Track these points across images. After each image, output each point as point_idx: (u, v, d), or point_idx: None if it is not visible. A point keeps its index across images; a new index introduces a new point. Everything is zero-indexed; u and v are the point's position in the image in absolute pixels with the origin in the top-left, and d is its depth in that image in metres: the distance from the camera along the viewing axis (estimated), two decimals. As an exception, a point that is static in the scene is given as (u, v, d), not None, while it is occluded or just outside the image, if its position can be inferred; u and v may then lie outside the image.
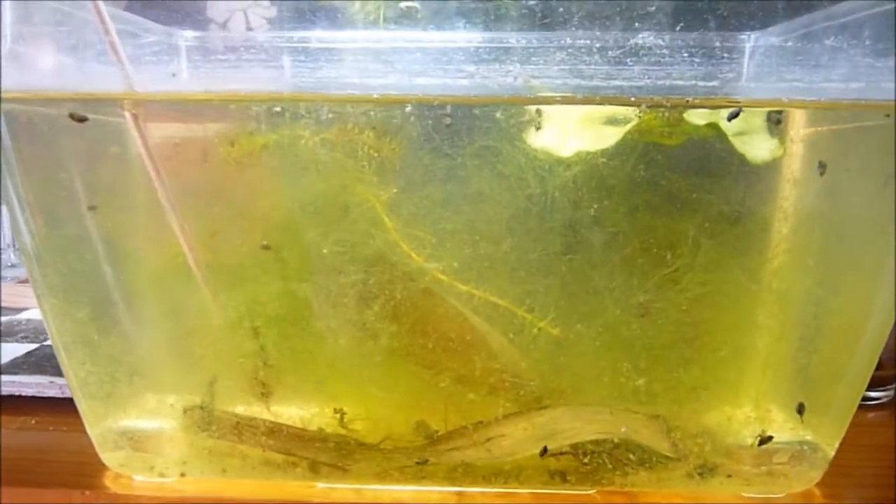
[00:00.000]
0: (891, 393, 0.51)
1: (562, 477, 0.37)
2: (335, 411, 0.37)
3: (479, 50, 0.28)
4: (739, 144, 0.31)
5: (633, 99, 0.29)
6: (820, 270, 0.36)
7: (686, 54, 0.28)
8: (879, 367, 0.50)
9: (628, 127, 0.31)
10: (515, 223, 0.34)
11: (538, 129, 0.30)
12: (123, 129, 0.36)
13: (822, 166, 0.33)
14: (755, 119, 0.30)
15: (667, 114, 0.30)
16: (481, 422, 0.36)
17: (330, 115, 0.31)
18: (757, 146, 0.31)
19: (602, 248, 0.34)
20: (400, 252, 0.34)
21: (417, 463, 0.37)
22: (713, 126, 0.31)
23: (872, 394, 0.50)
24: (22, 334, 0.57)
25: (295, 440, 0.37)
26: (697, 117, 0.30)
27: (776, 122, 0.30)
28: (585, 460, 0.36)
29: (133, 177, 0.36)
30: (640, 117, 0.31)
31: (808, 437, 0.36)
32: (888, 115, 0.31)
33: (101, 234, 0.36)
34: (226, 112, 0.35)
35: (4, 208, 0.36)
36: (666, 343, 0.36)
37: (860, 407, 0.49)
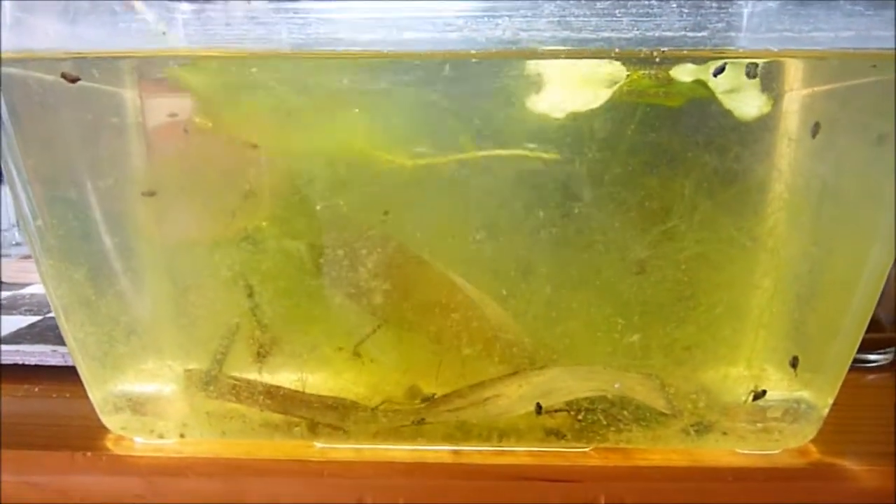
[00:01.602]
0: (890, 356, 0.51)
1: (557, 435, 0.37)
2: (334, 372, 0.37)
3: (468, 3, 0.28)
4: (727, 101, 0.31)
5: (617, 51, 0.28)
6: (815, 229, 0.36)
7: (675, 4, 0.28)
8: (879, 329, 0.50)
9: (617, 86, 0.31)
10: (509, 183, 0.34)
11: (532, 86, 0.30)
12: (120, 98, 0.36)
13: (816, 127, 0.33)
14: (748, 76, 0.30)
15: (654, 71, 0.30)
16: (480, 382, 0.37)
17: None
18: (745, 103, 0.31)
19: (596, 208, 0.34)
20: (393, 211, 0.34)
21: (414, 423, 0.37)
22: (700, 83, 0.31)
23: (872, 356, 0.50)
24: (26, 307, 0.58)
25: (292, 401, 0.37)
26: (684, 73, 0.30)
27: (752, 75, 0.29)
28: (580, 418, 0.37)
29: (131, 143, 0.36)
30: (629, 75, 0.31)
31: (802, 394, 0.36)
32: (874, 66, 0.30)
33: (99, 200, 0.36)
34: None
35: (6, 187, 0.37)
36: (661, 301, 0.36)
37: (860, 369, 0.50)
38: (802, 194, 0.35)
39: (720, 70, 0.30)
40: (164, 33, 0.31)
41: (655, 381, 0.37)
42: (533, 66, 0.31)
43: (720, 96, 0.31)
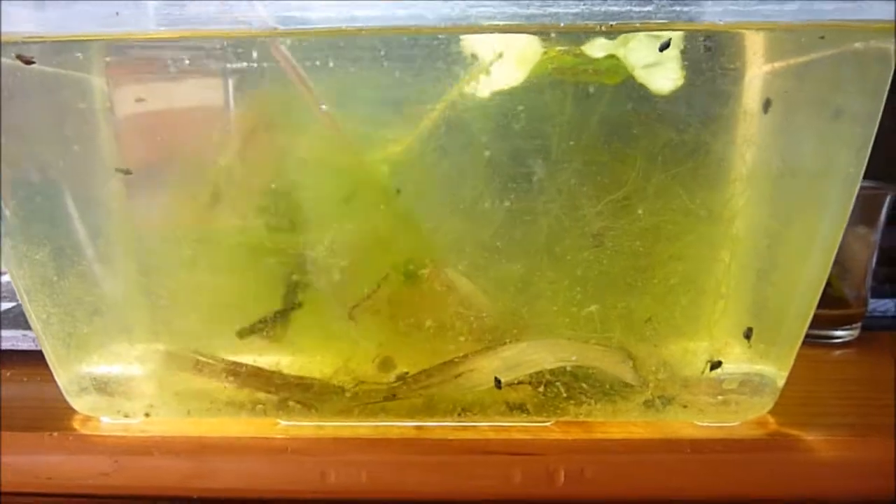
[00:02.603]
0: (856, 331, 0.52)
1: (519, 409, 0.37)
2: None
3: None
4: (643, 76, 0.31)
5: (562, 25, 0.29)
6: (771, 202, 0.36)
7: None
8: (845, 305, 0.51)
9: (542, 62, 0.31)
10: (462, 161, 0.35)
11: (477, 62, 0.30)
12: (86, 82, 0.36)
13: (768, 103, 0.34)
14: (669, 50, 0.30)
15: (569, 47, 0.30)
16: (451, 359, 0.37)
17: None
18: (661, 77, 0.31)
19: (550, 182, 0.34)
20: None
21: (385, 399, 0.37)
22: (612, 58, 0.31)
23: (838, 332, 0.51)
24: (3, 293, 0.58)
25: (255, 378, 0.37)
26: (596, 49, 0.30)
27: (664, 48, 0.30)
28: (542, 391, 0.37)
29: (95, 126, 0.37)
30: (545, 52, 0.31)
31: (757, 366, 0.37)
32: (822, 38, 0.31)
33: (65, 182, 0.36)
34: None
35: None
36: (619, 274, 0.36)
37: (827, 345, 0.50)
38: (758, 168, 0.35)
39: (666, 45, 0.30)
40: (116, 14, 0.31)
41: (622, 352, 0.37)
42: (478, 41, 0.31)
43: (635, 72, 0.31)
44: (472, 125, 0.34)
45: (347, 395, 0.38)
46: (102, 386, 0.38)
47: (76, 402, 0.39)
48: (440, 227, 0.36)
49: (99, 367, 0.38)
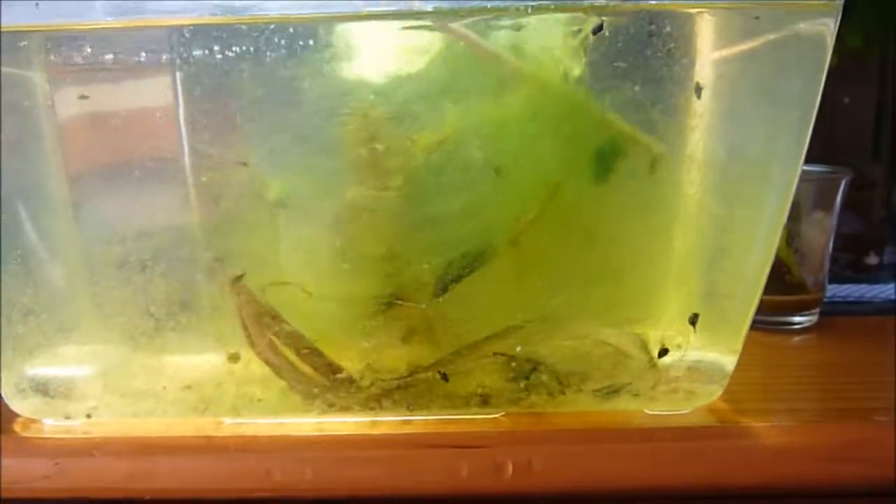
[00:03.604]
0: (815, 317, 0.52)
1: (468, 401, 0.37)
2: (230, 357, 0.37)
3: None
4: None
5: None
6: (713, 186, 0.36)
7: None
8: (804, 291, 0.51)
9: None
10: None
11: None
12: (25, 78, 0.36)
13: (699, 89, 0.33)
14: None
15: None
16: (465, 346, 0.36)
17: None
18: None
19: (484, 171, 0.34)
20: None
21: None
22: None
23: (797, 318, 0.51)
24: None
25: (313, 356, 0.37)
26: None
27: (596, 31, 0.29)
28: (490, 383, 0.37)
29: (37, 123, 0.36)
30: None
31: (705, 352, 0.37)
32: (757, 18, 0.30)
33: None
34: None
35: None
36: (567, 262, 0.36)
37: (786, 331, 0.50)
38: (699, 153, 0.35)
39: (599, 28, 0.29)
40: (36, 5, 0.30)
41: (632, 334, 0.36)
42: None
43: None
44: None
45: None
46: (43, 388, 0.37)
47: (16, 405, 0.38)
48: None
49: (39, 368, 0.37)
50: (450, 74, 0.33)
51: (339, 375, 0.37)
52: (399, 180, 0.34)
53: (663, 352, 0.36)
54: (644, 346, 0.37)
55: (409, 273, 0.35)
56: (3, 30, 0.34)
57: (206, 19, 0.31)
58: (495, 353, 0.36)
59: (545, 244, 0.35)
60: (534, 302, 0.36)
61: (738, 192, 0.35)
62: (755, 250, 0.35)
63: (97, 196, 0.37)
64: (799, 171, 0.35)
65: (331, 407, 0.37)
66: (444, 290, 0.35)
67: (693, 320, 0.35)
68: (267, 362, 0.37)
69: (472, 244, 0.35)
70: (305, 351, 0.36)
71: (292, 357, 0.36)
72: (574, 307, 0.37)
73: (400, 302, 0.35)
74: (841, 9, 0.31)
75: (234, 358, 0.37)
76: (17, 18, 0.33)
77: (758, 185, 0.35)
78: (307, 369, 0.37)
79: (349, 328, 0.36)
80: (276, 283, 0.36)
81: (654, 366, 0.37)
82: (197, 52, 0.34)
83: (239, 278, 0.36)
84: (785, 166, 0.35)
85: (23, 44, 0.35)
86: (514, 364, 0.37)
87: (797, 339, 0.50)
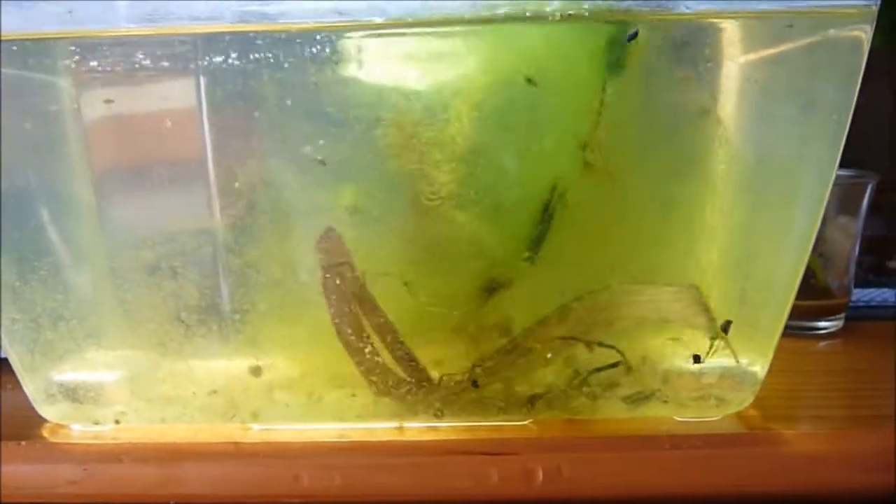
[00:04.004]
0: (840, 322, 0.51)
1: (497, 407, 0.37)
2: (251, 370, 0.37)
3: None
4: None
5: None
6: (746, 194, 0.35)
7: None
8: (829, 296, 0.50)
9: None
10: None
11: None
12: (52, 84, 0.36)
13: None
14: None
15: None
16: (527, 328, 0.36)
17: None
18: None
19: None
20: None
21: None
22: None
23: (822, 323, 0.51)
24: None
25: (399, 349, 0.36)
26: None
27: (630, 38, 0.29)
28: (519, 389, 0.36)
29: (64, 127, 0.36)
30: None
31: (736, 359, 0.36)
32: (790, 26, 0.30)
33: (35, 186, 0.35)
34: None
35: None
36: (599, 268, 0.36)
37: (811, 336, 0.50)
38: (732, 159, 0.35)
39: (633, 35, 0.29)
40: (70, 12, 0.30)
41: (693, 291, 0.35)
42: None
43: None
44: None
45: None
46: (71, 393, 0.37)
47: (45, 411, 0.38)
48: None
49: (67, 374, 0.38)
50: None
51: (420, 372, 0.36)
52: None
53: (697, 358, 0.35)
54: (702, 301, 0.36)
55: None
56: (32, 37, 0.34)
57: (235, 27, 0.31)
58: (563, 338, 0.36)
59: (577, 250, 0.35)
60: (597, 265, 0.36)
61: (772, 198, 0.35)
62: (788, 257, 0.35)
63: (126, 200, 0.37)
64: (832, 177, 0.35)
65: (400, 404, 0.37)
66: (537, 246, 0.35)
67: (725, 327, 0.35)
68: (340, 336, 0.36)
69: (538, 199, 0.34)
70: (394, 344, 0.36)
71: (379, 347, 0.36)
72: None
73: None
74: (876, 14, 0.31)
75: (255, 371, 0.36)
76: (43, 25, 0.33)
77: (790, 190, 0.35)
78: (391, 363, 0.36)
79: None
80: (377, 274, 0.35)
81: (677, 372, 0.36)
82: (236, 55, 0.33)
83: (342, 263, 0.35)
84: (818, 172, 0.34)
85: (48, 50, 0.35)
86: (543, 371, 0.36)
87: (823, 344, 0.49)
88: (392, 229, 0.35)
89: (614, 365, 0.36)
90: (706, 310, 0.35)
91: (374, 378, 0.36)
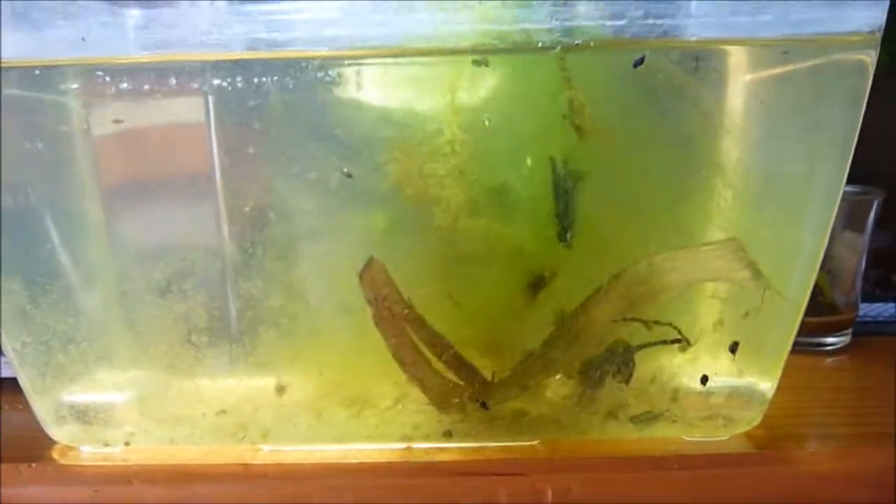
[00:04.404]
0: (847, 338, 0.51)
1: (506, 427, 0.37)
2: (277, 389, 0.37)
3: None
4: None
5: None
6: (752, 213, 0.36)
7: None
8: (836, 312, 0.50)
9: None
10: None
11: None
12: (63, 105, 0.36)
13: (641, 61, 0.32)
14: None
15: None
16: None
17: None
18: None
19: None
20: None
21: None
22: None
23: (829, 339, 0.51)
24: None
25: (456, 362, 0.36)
26: None
27: (637, 64, 0.29)
28: (527, 409, 0.37)
29: (72, 151, 0.36)
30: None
31: (745, 378, 0.36)
32: (786, 52, 0.30)
33: (44, 207, 0.36)
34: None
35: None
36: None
37: (818, 353, 0.50)
38: (739, 179, 0.35)
39: (640, 61, 0.29)
40: (83, 39, 0.31)
41: (733, 243, 0.34)
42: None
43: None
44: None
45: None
46: (81, 415, 0.38)
47: (54, 432, 0.38)
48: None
49: (77, 395, 0.38)
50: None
51: (479, 377, 0.36)
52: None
53: (704, 378, 0.36)
54: (744, 253, 0.34)
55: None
56: (41, 64, 0.34)
57: (245, 55, 0.31)
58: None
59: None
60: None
61: (778, 218, 0.35)
62: (795, 276, 0.35)
63: (136, 221, 0.37)
64: (839, 198, 0.35)
65: (373, 437, 0.37)
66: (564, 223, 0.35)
67: (733, 348, 0.35)
68: (402, 364, 0.36)
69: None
70: (453, 359, 0.36)
71: (433, 360, 0.36)
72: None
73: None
74: (880, 39, 0.31)
75: (280, 390, 0.37)
76: (54, 52, 0.34)
77: (797, 211, 0.35)
78: (449, 373, 0.36)
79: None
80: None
81: (685, 391, 0.36)
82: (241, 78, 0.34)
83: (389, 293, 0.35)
84: (825, 191, 0.35)
85: (58, 72, 0.35)
86: (551, 392, 0.36)
87: (830, 360, 0.49)
88: (418, 247, 0.36)
89: (676, 341, 0.35)
90: (749, 262, 0.34)
91: (437, 396, 0.36)
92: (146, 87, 0.35)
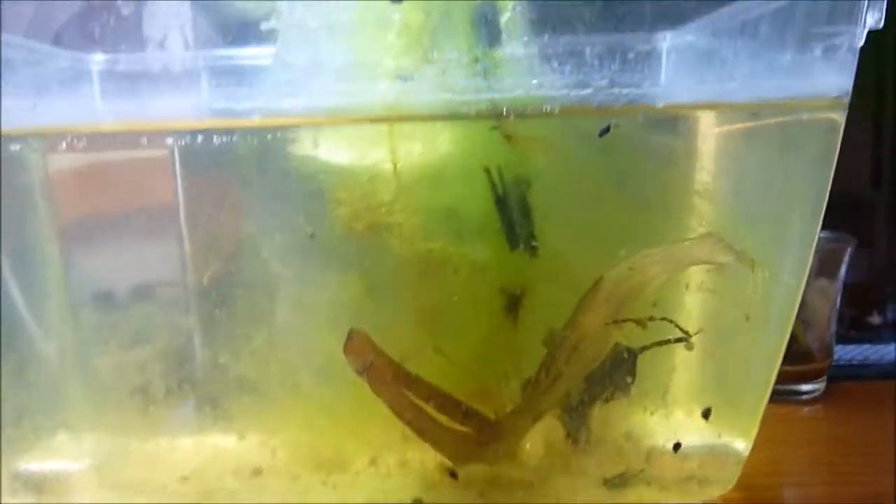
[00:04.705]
0: (822, 384, 0.51)
1: (475, 491, 0.36)
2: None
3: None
4: None
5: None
6: (725, 276, 0.35)
7: (556, 63, 0.27)
8: (810, 360, 0.50)
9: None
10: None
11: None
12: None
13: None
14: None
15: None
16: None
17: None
18: None
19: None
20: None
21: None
22: None
23: (805, 387, 0.50)
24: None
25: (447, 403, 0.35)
26: None
27: (602, 133, 0.29)
28: (495, 472, 0.36)
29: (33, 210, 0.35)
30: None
31: (718, 441, 0.36)
32: (755, 114, 0.30)
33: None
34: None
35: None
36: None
37: (793, 402, 0.50)
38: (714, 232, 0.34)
39: (605, 130, 0.29)
40: (34, 106, 0.30)
41: (712, 236, 0.34)
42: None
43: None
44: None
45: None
46: (37, 485, 0.36)
47: (10, 500, 0.37)
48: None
49: (32, 464, 0.36)
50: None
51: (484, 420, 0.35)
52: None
53: (677, 446, 0.35)
54: (724, 241, 0.33)
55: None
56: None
57: (208, 123, 0.31)
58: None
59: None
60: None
61: (751, 280, 0.34)
62: (768, 336, 0.35)
63: (95, 279, 0.36)
64: (812, 251, 0.35)
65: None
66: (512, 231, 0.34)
67: (706, 414, 0.35)
68: (406, 424, 0.35)
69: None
70: (452, 407, 0.34)
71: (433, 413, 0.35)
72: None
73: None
74: (848, 103, 0.31)
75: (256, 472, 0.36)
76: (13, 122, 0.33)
77: (771, 264, 0.34)
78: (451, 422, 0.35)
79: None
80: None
81: (659, 453, 0.36)
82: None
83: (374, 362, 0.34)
84: (798, 246, 0.35)
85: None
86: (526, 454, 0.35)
87: (806, 410, 0.49)
88: (387, 302, 0.35)
89: (679, 340, 0.34)
90: (731, 247, 0.33)
91: (447, 449, 0.35)
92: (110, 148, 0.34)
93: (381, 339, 0.34)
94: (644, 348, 0.34)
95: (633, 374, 0.35)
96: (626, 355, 0.35)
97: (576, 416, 0.35)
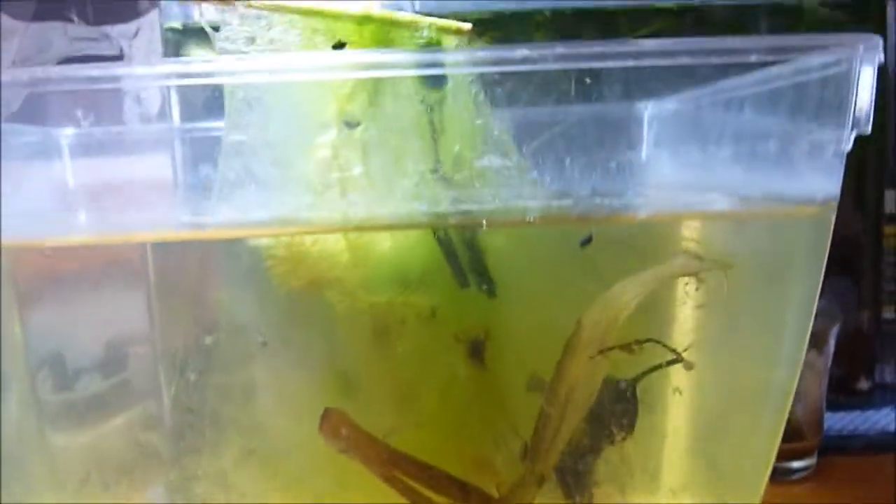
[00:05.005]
0: (813, 460, 0.50)
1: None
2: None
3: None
4: None
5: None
6: (722, 365, 0.34)
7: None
8: (800, 437, 0.49)
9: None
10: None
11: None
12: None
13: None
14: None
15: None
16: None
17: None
18: None
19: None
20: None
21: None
22: None
23: (795, 465, 0.49)
24: None
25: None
26: None
27: (584, 243, 0.28)
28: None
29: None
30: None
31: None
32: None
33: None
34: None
35: None
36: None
37: (785, 481, 0.48)
38: (702, 340, 0.33)
39: (587, 241, 0.28)
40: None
41: (686, 254, 0.32)
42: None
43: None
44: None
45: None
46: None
47: None
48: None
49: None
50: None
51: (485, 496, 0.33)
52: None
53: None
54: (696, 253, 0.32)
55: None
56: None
57: (180, 235, 0.30)
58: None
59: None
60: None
61: (748, 372, 0.34)
62: (766, 422, 0.34)
63: (63, 371, 0.35)
64: (806, 342, 0.34)
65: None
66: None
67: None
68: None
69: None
70: (446, 482, 0.32)
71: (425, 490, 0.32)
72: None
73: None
74: (835, 209, 0.30)
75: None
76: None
77: (764, 364, 0.33)
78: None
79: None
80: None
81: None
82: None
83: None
84: (793, 337, 0.34)
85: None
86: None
87: (798, 489, 0.48)
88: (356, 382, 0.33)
89: (672, 362, 0.32)
90: (700, 258, 0.32)
91: None
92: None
93: (356, 413, 0.32)
94: (641, 376, 0.33)
95: (636, 406, 0.33)
96: (623, 386, 0.33)
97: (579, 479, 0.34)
